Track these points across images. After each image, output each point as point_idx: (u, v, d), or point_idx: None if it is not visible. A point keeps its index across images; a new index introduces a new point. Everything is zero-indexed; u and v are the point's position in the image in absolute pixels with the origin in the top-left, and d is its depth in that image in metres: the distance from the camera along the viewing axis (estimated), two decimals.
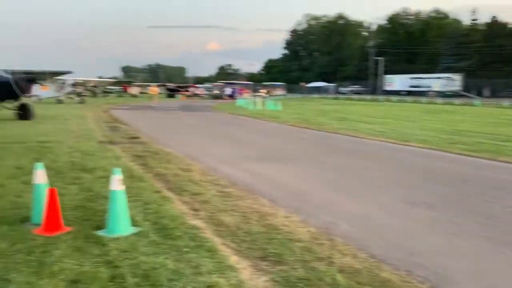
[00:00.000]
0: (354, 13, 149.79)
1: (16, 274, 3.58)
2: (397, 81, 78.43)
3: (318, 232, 4.89)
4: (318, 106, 37.09)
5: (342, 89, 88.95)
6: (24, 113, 17.21)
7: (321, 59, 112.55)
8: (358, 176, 8.29)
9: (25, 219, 4.97)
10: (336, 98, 61.96)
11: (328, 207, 6.08)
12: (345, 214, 5.73)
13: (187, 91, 62.06)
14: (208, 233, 4.70)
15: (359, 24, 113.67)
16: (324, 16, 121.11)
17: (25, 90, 15.58)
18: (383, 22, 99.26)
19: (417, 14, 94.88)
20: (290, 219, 5.35)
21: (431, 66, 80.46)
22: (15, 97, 14.09)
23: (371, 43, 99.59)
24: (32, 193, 5.17)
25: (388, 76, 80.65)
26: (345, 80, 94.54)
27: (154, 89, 46.67)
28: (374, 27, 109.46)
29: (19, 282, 3.43)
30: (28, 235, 4.48)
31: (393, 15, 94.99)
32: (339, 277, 3.68)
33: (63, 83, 35.38)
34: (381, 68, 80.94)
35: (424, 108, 35.63)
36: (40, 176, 5.06)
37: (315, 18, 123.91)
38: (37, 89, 38.00)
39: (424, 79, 75.08)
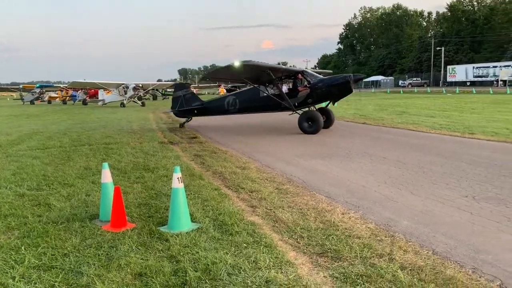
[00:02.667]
0: (412, 3, 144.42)
1: (87, 267, 3.82)
2: (460, 72, 74.36)
3: (377, 229, 4.78)
4: (376, 101, 36.07)
5: (401, 82, 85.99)
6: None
7: (378, 52, 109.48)
8: (420, 170, 7.97)
9: (94, 216, 5.29)
10: (395, 92, 59.81)
11: (388, 203, 5.91)
12: (406, 210, 5.55)
13: None
14: (266, 229, 4.75)
15: (418, 14, 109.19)
16: (380, 8, 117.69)
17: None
18: (443, 10, 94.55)
19: (480, 0, 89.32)
20: (348, 215, 5.28)
21: (497, 54, 75.59)
22: (349, 93, 14.49)
23: (431, 33, 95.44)
24: (100, 192, 5.49)
25: (451, 67, 76.69)
26: (404, 73, 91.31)
27: (222, 90, 48.44)
28: (433, 16, 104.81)
29: (90, 275, 3.66)
30: (97, 231, 4.77)
31: (454, 2, 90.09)
32: (401, 274, 3.57)
33: (126, 88, 36.96)
34: (442, 58, 77.19)
35: (491, 99, 33.49)
36: (107, 176, 5.34)
37: (371, 10, 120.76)
38: (102, 94, 40.31)
39: (490, 68, 70.57)
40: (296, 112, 14.94)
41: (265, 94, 15.12)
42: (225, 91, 50.59)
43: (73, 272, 3.75)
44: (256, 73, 14.02)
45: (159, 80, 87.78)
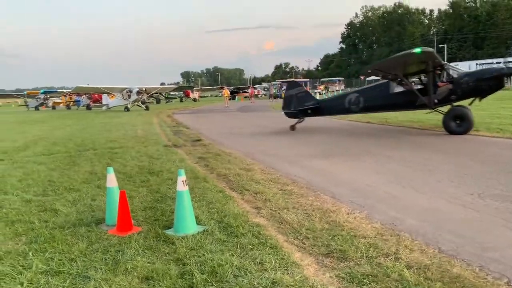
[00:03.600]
0: (413, 1, 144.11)
1: (94, 271, 3.84)
2: (463, 68, 74.07)
3: (383, 228, 4.78)
4: None
5: None
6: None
7: (381, 50, 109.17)
8: (425, 168, 7.96)
9: (101, 221, 5.32)
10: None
11: (393, 202, 5.90)
12: (411, 209, 5.54)
13: (246, 92, 62.93)
14: (271, 231, 4.76)
15: (419, 12, 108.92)
16: (382, 6, 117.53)
17: None
18: (445, 7, 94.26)
19: None
20: (353, 215, 5.28)
21: (501, 50, 75.22)
22: (501, 88, 12.80)
23: (433, 30, 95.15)
24: (105, 196, 5.52)
25: (453, 64, 76.53)
26: None
27: (226, 91, 48.56)
28: (435, 14, 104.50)
29: (98, 279, 3.68)
30: (104, 235, 4.79)
31: None
32: (407, 273, 3.57)
33: (130, 92, 37.06)
34: (445, 56, 76.92)
35: (495, 95, 33.14)
36: (112, 180, 5.37)
37: (372, 9, 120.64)
38: (106, 99, 40.47)
39: (493, 64, 70.18)
40: (436, 111, 13.38)
41: (396, 91, 13.68)
42: (228, 92, 50.66)
43: (81, 276, 3.77)
44: (418, 65, 12.89)
45: (162, 84, 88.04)
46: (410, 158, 9.06)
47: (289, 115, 16.52)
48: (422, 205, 5.70)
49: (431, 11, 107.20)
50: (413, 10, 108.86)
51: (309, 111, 15.78)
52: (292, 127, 16.05)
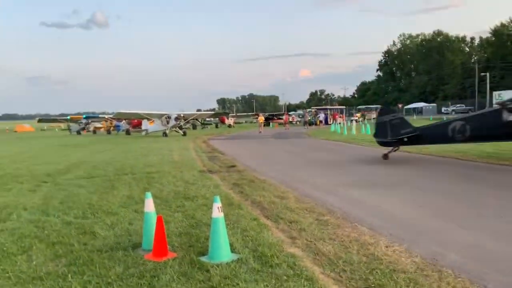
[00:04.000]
0: (453, 29, 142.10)
1: None
2: (507, 97, 71.60)
3: (424, 263, 4.58)
4: None
5: (444, 109, 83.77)
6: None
7: (419, 78, 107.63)
8: (468, 201, 7.64)
9: (137, 245, 5.38)
10: (437, 119, 58.21)
11: (434, 235, 5.67)
12: (453, 243, 5.31)
13: (280, 118, 63.14)
14: (307, 262, 4.66)
15: (460, 40, 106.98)
16: (420, 34, 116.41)
17: None
18: (487, 35, 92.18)
19: None
20: (393, 248, 5.10)
21: None
22: None
23: (474, 58, 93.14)
24: (142, 221, 5.60)
25: (497, 93, 74.02)
26: (447, 100, 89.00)
27: (261, 117, 49.09)
28: (476, 41, 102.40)
29: None
30: (140, 260, 4.84)
31: (498, 27, 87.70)
32: None
33: (168, 118, 37.91)
34: (488, 84, 74.80)
35: None
36: (149, 205, 5.45)
37: (410, 37, 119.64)
38: (145, 124, 41.58)
39: None
40: None
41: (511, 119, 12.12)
42: (263, 119, 50.99)
43: None
44: None
45: (198, 110, 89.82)
46: (453, 190, 8.73)
47: (383, 144, 14.97)
48: (466, 240, 5.45)
49: (472, 38, 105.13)
50: (453, 38, 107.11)
51: (405, 139, 14.24)
52: (385, 156, 14.56)
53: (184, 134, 38.00)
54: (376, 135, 15.28)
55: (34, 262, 4.83)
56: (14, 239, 5.75)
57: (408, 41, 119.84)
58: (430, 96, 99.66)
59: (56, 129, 75.44)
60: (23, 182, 11.08)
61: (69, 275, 4.37)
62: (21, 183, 10.84)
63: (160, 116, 38.69)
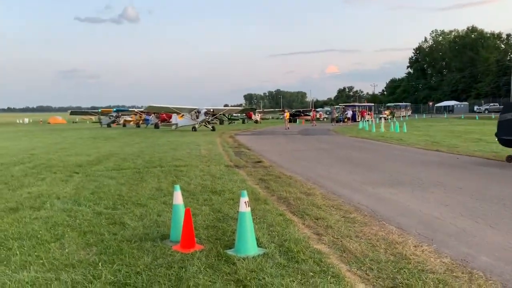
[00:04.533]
0: (488, 26, 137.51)
1: (158, 286, 3.95)
2: None
3: (453, 264, 4.50)
4: (448, 127, 34.41)
5: (476, 107, 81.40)
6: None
7: (451, 76, 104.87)
8: (500, 202, 7.42)
9: (165, 236, 5.48)
10: (469, 118, 56.66)
11: (464, 236, 5.55)
12: (484, 245, 5.17)
13: (307, 115, 62.79)
14: (333, 259, 4.64)
15: (495, 37, 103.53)
16: (453, 31, 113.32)
17: None
18: None
19: None
20: (421, 248, 5.02)
21: None
22: None
23: (510, 56, 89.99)
24: (170, 213, 5.69)
25: None
26: (480, 98, 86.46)
27: (287, 114, 49.02)
28: None
29: None
30: (168, 251, 4.93)
31: None
32: None
33: (198, 112, 38.18)
34: None
35: None
36: (178, 198, 5.54)
37: (443, 33, 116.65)
38: (175, 118, 42.06)
39: None
40: None
41: None
42: (289, 115, 50.80)
43: None
44: None
45: (225, 105, 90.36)
46: (483, 191, 8.50)
47: (506, 143, 13.22)
48: (498, 242, 5.30)
49: (508, 35, 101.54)
50: (488, 35, 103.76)
51: None
52: (509, 158, 12.95)
53: (213, 129, 38.13)
54: (500, 133, 13.27)
55: (66, 250, 4.99)
56: (48, 227, 5.95)
57: (441, 37, 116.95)
58: (462, 94, 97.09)
59: (87, 122, 77.35)
60: (56, 172, 11.43)
61: (100, 264, 4.50)
62: (54, 173, 11.18)
63: (190, 111, 38.97)
